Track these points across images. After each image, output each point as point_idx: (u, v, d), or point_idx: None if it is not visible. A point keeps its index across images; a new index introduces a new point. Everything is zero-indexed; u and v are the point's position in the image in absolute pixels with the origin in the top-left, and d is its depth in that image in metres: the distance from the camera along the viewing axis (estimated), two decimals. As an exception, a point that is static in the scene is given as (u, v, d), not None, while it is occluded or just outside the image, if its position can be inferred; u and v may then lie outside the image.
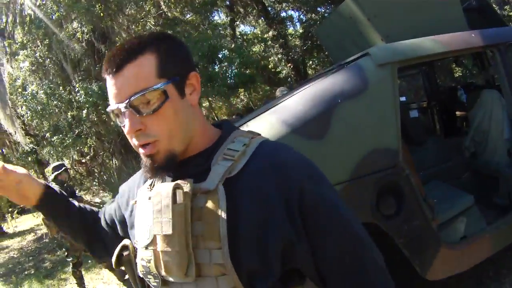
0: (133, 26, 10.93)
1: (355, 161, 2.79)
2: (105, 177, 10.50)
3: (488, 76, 5.26)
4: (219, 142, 1.18)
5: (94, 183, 15.33)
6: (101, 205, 9.49)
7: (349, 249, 1.10)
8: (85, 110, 9.95)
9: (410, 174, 2.91)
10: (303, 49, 17.86)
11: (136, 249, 1.22)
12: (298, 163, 1.12)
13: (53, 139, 11.20)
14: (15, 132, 13.11)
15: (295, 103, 2.96)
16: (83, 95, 9.64)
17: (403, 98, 5.10)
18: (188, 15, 14.80)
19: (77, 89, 10.03)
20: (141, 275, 1.19)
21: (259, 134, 1.24)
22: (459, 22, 3.86)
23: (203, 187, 1.07)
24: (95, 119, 10.43)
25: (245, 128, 2.96)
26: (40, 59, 11.22)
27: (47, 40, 10.42)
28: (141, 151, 1.13)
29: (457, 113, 5.80)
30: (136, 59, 1.08)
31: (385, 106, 2.87)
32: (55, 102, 10.87)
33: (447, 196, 3.86)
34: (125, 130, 1.10)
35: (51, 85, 11.04)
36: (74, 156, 13.08)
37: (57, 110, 11.09)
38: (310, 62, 19.74)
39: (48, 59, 11.16)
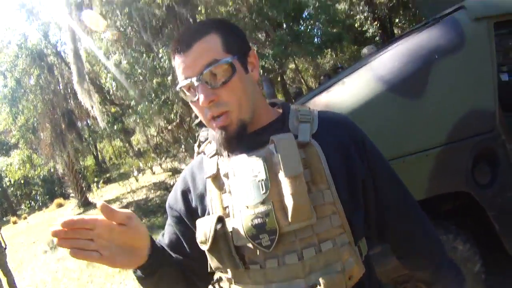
0: (214, -11, 10.93)
1: (452, 123, 2.68)
2: (191, 143, 10.70)
3: None
4: (284, 113, 1.36)
5: (181, 149, 15.73)
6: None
7: (396, 185, 1.42)
8: (170, 76, 10.10)
9: (506, 140, 2.74)
10: (389, 6, 17.73)
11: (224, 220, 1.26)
12: (354, 123, 1.40)
13: (139, 107, 11.49)
14: (92, 106, 13.58)
15: (391, 59, 2.88)
16: (167, 61, 9.77)
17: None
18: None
19: (160, 55, 10.18)
20: (248, 240, 1.19)
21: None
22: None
23: (301, 141, 1.23)
24: (181, 84, 10.60)
25: (340, 85, 3.02)
26: (121, 29, 11.45)
27: (126, 9, 10.56)
28: (213, 124, 1.25)
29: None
30: (203, 37, 1.21)
31: (482, 64, 2.72)
32: (139, 70, 11.11)
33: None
34: (200, 101, 1.20)
35: (134, 54, 11.26)
36: (160, 123, 13.37)
37: (141, 78, 11.33)
38: (397, 20, 19.44)
39: (130, 27, 11.36)
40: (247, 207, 1.19)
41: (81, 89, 12.70)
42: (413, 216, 1.44)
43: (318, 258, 1.17)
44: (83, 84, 12.67)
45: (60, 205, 23.28)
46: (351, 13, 19.09)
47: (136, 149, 27.03)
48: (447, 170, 2.69)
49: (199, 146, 1.46)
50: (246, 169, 1.22)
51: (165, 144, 21.08)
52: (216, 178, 1.28)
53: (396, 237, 1.44)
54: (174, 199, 1.44)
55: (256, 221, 1.17)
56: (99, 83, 15.39)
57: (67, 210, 20.27)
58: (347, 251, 1.20)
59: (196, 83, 1.19)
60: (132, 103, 12.56)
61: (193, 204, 1.37)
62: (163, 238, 1.48)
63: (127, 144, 27.45)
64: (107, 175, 26.04)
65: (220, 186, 1.27)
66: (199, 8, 11.32)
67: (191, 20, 10.97)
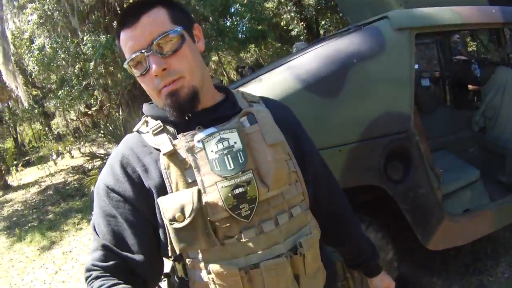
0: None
1: (366, 122, 2.78)
2: (110, 128, 10.54)
3: (504, 53, 5.14)
4: (229, 95, 1.42)
5: (100, 134, 15.40)
6: (106, 156, 9.38)
7: (324, 165, 1.59)
8: (92, 62, 9.87)
9: (420, 141, 2.90)
10: (316, 8, 17.89)
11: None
12: None
13: (59, 92, 11.17)
14: (17, 87, 13.06)
15: (310, 60, 2.92)
16: (90, 48, 9.56)
17: (416, 66, 5.04)
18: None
19: (84, 41, 9.93)
20: (227, 212, 1.15)
21: None
22: (479, -4, 3.74)
23: None
24: (103, 71, 10.40)
25: (258, 81, 3.02)
26: (48, 12, 11.06)
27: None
28: (165, 90, 1.23)
29: (470, 86, 5.68)
30: (150, 10, 1.21)
31: (400, 70, 2.84)
32: (62, 55, 10.78)
33: (454, 167, 3.85)
34: (152, 70, 1.19)
35: (59, 39, 10.90)
36: (80, 108, 13.07)
37: (64, 63, 11.00)
38: (323, 22, 19.58)
39: (57, 12, 10.99)
40: (226, 178, 1.16)
41: (6, 70, 12.14)
42: (338, 194, 1.63)
43: (291, 223, 1.23)
44: (8, 65, 12.13)
45: (-21, 188, 22.17)
46: (278, 11, 19.16)
47: (56, 132, 26.22)
48: (359, 165, 2.80)
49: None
50: (216, 142, 1.20)
51: (84, 129, 20.61)
52: (174, 155, 1.21)
53: (325, 213, 1.49)
54: (114, 180, 1.28)
55: (237, 191, 1.15)
56: (22, 66, 14.77)
57: (-14, 193, 19.42)
58: (309, 215, 1.32)
59: (146, 54, 1.19)
60: (54, 87, 12.20)
61: (145, 183, 1.25)
62: (101, 237, 1.26)
63: (46, 128, 26.59)
64: (26, 158, 25.03)
65: (180, 162, 1.20)
66: (127, -3, 11.14)
67: (118, 8, 10.78)
